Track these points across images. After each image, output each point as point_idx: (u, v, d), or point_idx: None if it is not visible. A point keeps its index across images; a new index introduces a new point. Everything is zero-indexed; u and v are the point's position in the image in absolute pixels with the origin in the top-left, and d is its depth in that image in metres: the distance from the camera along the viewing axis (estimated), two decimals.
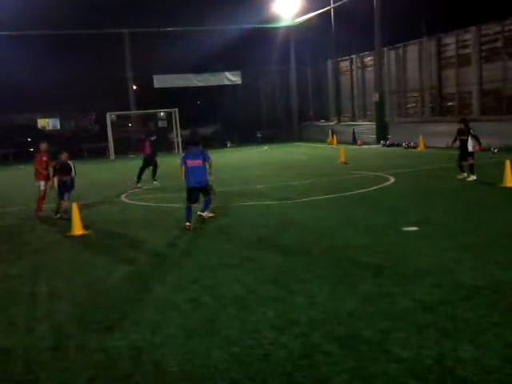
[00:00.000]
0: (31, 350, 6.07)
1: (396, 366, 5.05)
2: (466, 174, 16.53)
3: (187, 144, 12.01)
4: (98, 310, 7.24)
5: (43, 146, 15.46)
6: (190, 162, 11.96)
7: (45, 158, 15.11)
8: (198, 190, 12.14)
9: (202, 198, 12.43)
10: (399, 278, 7.65)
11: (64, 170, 14.18)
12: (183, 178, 12.18)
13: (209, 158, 12.11)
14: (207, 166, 12.10)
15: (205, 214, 12.36)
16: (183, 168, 12.07)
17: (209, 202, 12.33)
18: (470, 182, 16.17)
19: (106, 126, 39.93)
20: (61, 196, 14.19)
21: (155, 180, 21.05)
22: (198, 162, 11.95)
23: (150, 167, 20.94)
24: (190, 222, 11.91)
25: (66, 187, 14.10)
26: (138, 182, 20.48)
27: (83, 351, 5.94)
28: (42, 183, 15.04)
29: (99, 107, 46.01)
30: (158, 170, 21.21)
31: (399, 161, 23.82)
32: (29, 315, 7.18)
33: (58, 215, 14.34)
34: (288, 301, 7.00)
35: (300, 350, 5.54)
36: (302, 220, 12.34)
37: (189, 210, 11.99)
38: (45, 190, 15.02)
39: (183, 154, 12.65)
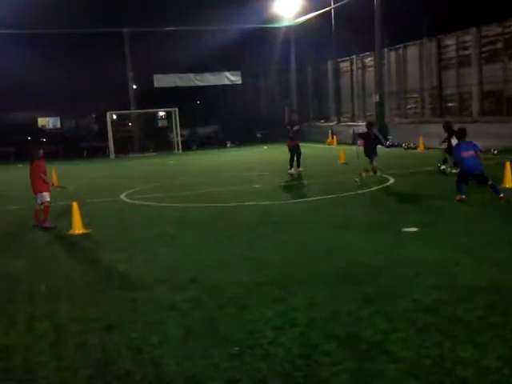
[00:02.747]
0: (30, 348, 6.07)
1: (395, 367, 5.06)
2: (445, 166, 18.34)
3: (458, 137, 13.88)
4: (97, 308, 7.24)
5: (41, 152, 13.78)
6: (464, 154, 13.00)
7: (43, 167, 13.45)
8: (471, 177, 13.13)
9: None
10: (399, 278, 7.65)
11: None
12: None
13: (477, 147, 13.14)
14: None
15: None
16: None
17: (493, 186, 13.02)
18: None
19: (106, 126, 39.96)
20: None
21: (299, 168, 21.45)
22: (470, 153, 12.92)
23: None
24: (462, 193, 13.04)
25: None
26: (290, 168, 21.37)
27: (82, 350, 5.94)
28: (47, 194, 13.34)
29: (99, 106, 46.02)
30: (302, 158, 21.74)
31: (399, 161, 23.78)
32: (28, 314, 7.18)
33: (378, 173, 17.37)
34: (287, 301, 7.00)
35: (299, 350, 5.54)
36: (302, 220, 12.35)
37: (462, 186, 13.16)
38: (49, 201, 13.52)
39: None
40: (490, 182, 12.93)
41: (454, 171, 17.26)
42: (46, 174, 13.57)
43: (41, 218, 13.37)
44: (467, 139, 13.23)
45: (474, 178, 13.08)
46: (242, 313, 6.70)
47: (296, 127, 22.26)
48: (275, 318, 6.45)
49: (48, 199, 13.36)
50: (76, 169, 29.74)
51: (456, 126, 18.19)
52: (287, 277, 8.04)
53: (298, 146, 21.79)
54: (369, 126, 18.07)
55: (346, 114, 41.09)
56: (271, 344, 5.73)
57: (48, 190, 13.44)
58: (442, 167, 18.32)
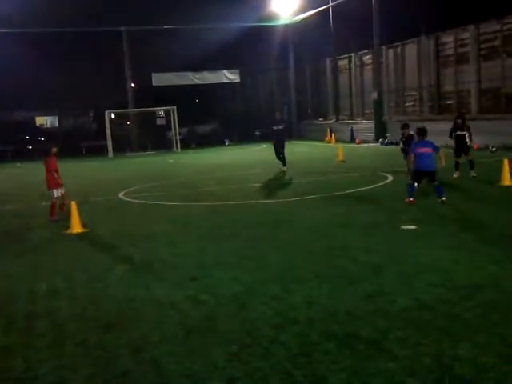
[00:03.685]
0: (30, 347, 6.08)
1: (394, 365, 5.07)
2: (459, 173, 16.59)
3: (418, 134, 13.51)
4: (97, 307, 7.25)
5: (55, 149, 14.21)
6: (420, 150, 13.00)
7: (54, 164, 13.89)
8: (425, 175, 13.10)
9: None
10: (398, 276, 7.66)
11: None
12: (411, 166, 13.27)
13: (435, 145, 13.13)
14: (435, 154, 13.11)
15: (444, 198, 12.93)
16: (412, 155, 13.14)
17: (439, 187, 13.04)
18: (473, 177, 16.22)
19: (105, 124, 39.92)
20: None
21: (284, 166, 21.77)
22: (426, 150, 12.95)
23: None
24: (411, 196, 13.04)
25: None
26: (284, 165, 21.73)
27: (82, 348, 5.95)
28: (54, 191, 13.81)
29: (98, 105, 45.97)
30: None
31: (397, 159, 23.75)
32: (28, 312, 7.18)
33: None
34: (287, 299, 7.01)
35: (299, 349, 5.56)
36: (301, 219, 12.35)
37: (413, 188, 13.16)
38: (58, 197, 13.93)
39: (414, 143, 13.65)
40: (436, 183, 12.94)
41: (474, 174, 16.21)
42: (57, 171, 13.96)
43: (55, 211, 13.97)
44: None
45: (427, 175, 13.04)
46: (241, 311, 6.71)
47: (277, 127, 22.06)
48: (275, 316, 6.46)
49: (55, 195, 13.89)
50: (74, 167, 29.68)
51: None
52: (287, 275, 8.05)
53: (278, 144, 21.81)
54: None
55: (345, 111, 41.09)
56: (271, 343, 5.74)
57: (54, 187, 13.85)
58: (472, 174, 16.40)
